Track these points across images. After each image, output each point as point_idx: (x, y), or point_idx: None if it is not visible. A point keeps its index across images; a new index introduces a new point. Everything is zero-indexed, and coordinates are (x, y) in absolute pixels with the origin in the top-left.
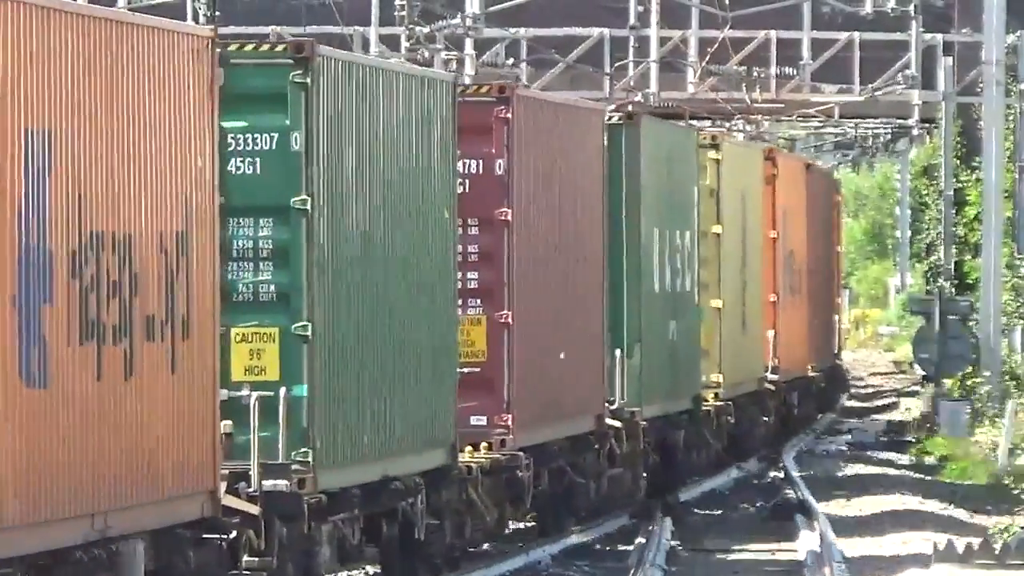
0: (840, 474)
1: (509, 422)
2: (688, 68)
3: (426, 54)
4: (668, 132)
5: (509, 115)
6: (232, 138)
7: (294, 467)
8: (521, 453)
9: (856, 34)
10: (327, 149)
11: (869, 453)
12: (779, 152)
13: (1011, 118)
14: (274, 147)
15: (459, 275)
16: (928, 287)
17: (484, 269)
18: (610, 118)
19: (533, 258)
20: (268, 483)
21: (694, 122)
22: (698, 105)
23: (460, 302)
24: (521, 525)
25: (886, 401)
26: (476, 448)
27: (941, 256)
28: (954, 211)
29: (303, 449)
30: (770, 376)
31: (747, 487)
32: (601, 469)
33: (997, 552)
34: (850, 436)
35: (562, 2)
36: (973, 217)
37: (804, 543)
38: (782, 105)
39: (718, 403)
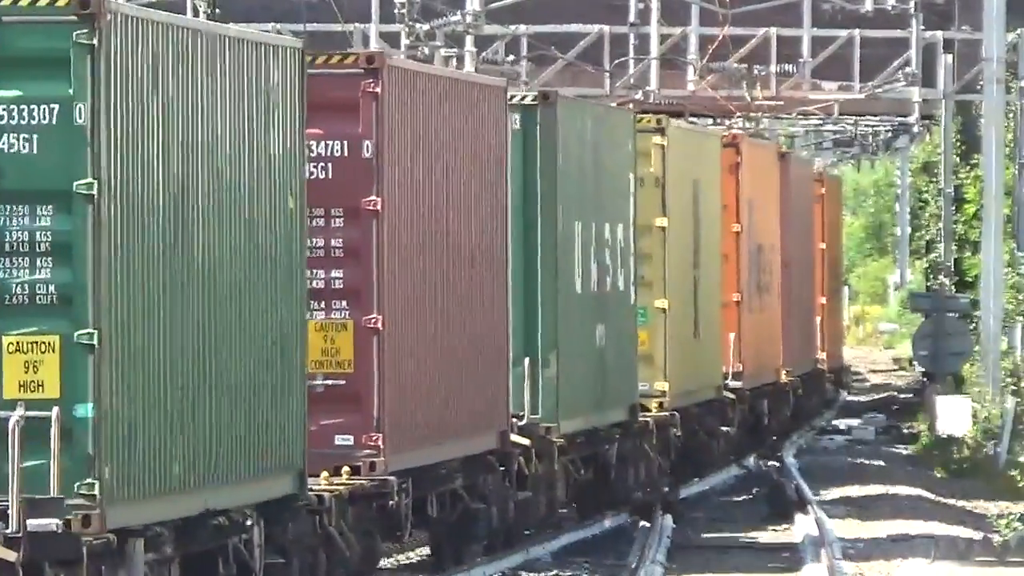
0: (838, 468)
1: (379, 442)
2: (688, 65)
3: (426, 51)
4: (596, 115)
5: (379, 89)
6: (4, 110)
7: (76, 502)
8: (392, 477)
9: (856, 31)
10: (121, 124)
11: (868, 450)
12: (744, 139)
13: (1011, 115)
14: (54, 121)
15: (321, 274)
16: (928, 284)
17: (350, 267)
18: (523, 99)
19: (411, 254)
20: (35, 522)
21: (694, 119)
22: (698, 102)
23: (323, 304)
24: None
25: (885, 397)
26: (336, 472)
27: (941, 253)
28: (954, 208)
29: (88, 480)
30: (731, 383)
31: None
32: (506, 492)
33: (997, 549)
34: (850, 434)
35: None
36: (972, 214)
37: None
38: (782, 102)
39: (662, 413)
